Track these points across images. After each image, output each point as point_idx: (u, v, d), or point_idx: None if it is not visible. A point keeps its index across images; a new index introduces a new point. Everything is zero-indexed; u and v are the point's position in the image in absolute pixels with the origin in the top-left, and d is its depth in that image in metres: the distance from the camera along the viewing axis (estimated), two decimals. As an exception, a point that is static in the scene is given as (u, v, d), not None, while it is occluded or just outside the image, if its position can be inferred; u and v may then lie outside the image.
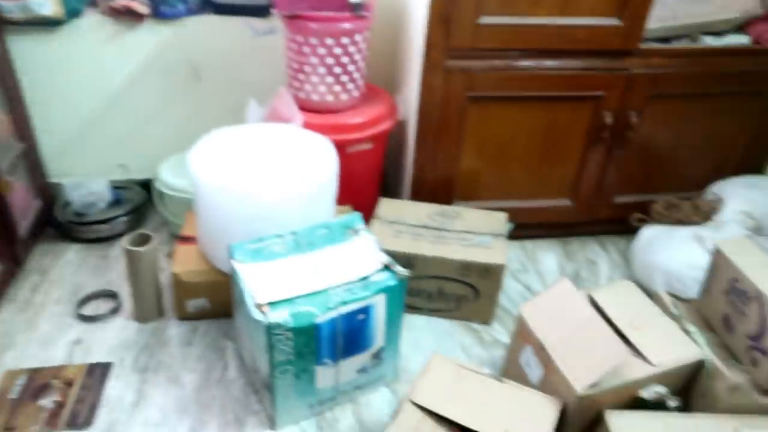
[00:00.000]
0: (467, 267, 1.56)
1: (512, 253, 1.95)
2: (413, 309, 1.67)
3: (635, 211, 1.88)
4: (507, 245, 1.63)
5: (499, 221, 1.69)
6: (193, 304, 1.59)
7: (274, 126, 1.62)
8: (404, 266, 1.47)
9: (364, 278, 1.28)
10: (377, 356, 1.38)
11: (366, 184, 1.89)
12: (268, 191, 1.37)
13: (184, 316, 1.61)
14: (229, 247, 1.33)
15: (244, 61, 1.92)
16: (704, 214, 1.76)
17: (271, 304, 1.20)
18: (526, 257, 1.95)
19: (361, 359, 1.35)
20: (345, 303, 1.24)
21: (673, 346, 1.25)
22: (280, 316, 1.18)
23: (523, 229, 1.96)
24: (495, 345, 1.61)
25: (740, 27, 1.74)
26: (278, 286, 1.24)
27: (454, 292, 1.62)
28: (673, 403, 1.22)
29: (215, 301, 1.59)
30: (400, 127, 1.88)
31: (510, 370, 1.38)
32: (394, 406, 1.41)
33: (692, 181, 1.92)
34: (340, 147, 1.60)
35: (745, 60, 1.72)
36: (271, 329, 1.17)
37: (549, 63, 1.63)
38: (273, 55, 1.91)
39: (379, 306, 1.30)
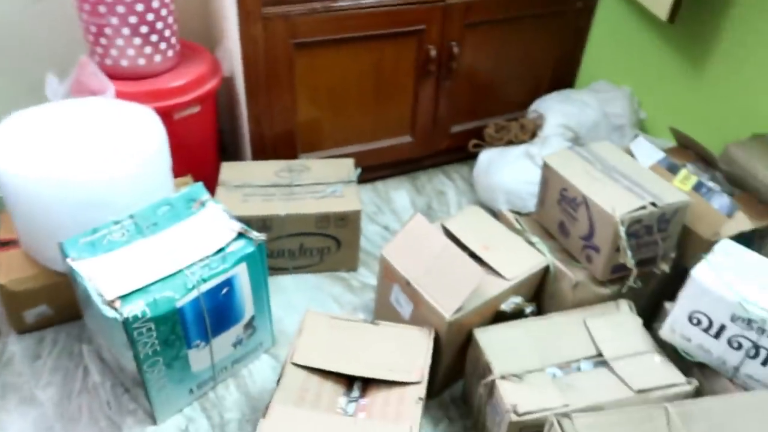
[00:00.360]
0: (324, 219, 1.56)
1: (365, 197, 1.97)
2: (278, 270, 1.64)
3: (471, 137, 1.99)
4: (358, 190, 1.65)
5: (347, 168, 1.70)
6: (32, 313, 1.43)
7: (82, 101, 1.44)
8: (260, 230, 1.43)
9: (220, 250, 1.22)
10: (250, 326, 1.34)
11: (202, 151, 1.78)
12: (88, 174, 1.24)
13: (24, 329, 1.44)
14: (60, 245, 1.19)
15: (29, 31, 1.68)
16: (530, 132, 1.91)
17: (123, 297, 1.11)
18: (379, 199, 1.99)
19: (233, 333, 1.31)
20: (205, 280, 1.18)
21: (522, 258, 1.36)
22: (135, 308, 1.09)
23: (372, 171, 1.99)
24: (365, 289, 1.64)
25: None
26: (127, 277, 1.14)
27: (315, 245, 1.62)
28: (529, 309, 1.35)
29: (57, 306, 1.44)
30: (227, 84, 1.78)
31: (382, 311, 1.42)
32: (277, 371, 1.40)
33: (516, 102, 2.06)
34: (165, 114, 1.48)
35: (546, -17, 1.85)
36: (128, 324, 1.09)
37: (367, 0, 1.62)
38: (65, 18, 1.68)
39: (242, 276, 1.25)
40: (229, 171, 1.65)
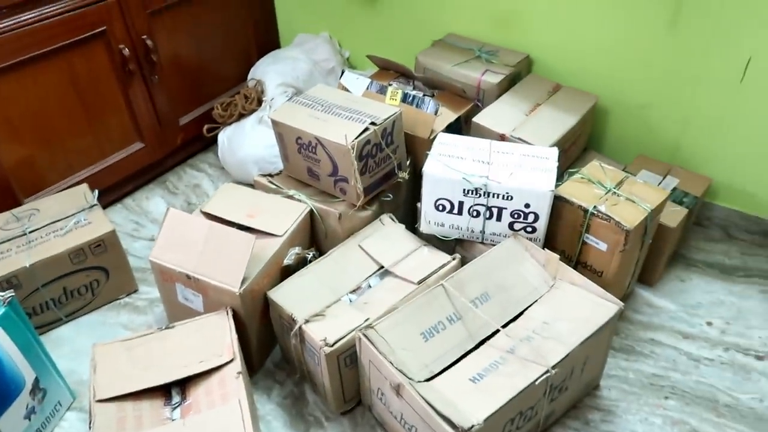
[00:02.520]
0: (79, 252, 1.45)
1: (118, 217, 1.87)
2: (51, 324, 1.50)
3: (203, 124, 1.98)
4: (104, 213, 1.55)
5: (82, 194, 1.58)
6: None
7: None
8: (8, 290, 1.29)
9: (-34, 327, 1.08)
10: (37, 389, 1.22)
11: None
12: None
13: None
14: None
15: None
16: (255, 100, 1.96)
17: None
18: (134, 214, 1.89)
19: (20, 404, 1.18)
20: (-41, 364, 1.04)
21: (286, 213, 1.44)
22: None
23: (117, 189, 1.89)
24: (153, 304, 1.58)
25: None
26: None
27: (81, 283, 1.50)
28: (310, 255, 1.43)
29: None
30: None
31: (175, 315, 1.39)
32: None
33: (233, 76, 2.09)
34: None
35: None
36: None
37: (29, 16, 1.48)
38: None
39: (2, 341, 1.13)
40: (-57, 245, 1.43)
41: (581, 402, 1.36)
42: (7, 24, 1.45)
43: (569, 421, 1.32)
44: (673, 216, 1.53)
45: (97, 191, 1.58)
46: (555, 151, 1.41)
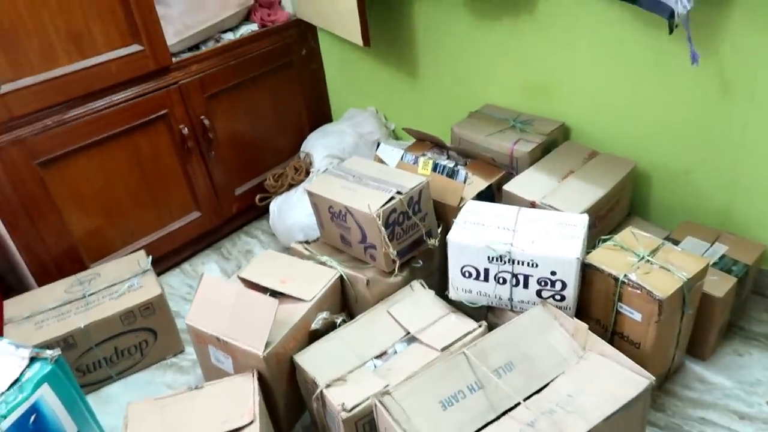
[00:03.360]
0: (129, 314, 1.56)
1: (175, 281, 1.99)
2: (102, 382, 1.60)
3: (256, 194, 2.11)
4: (155, 277, 1.67)
5: (138, 260, 1.71)
6: None
7: None
8: (64, 349, 1.41)
9: (16, 382, 1.19)
10: (77, 446, 1.30)
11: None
12: None
13: None
14: None
15: None
16: (304, 171, 2.07)
17: None
18: (189, 278, 2.02)
19: (61, 459, 1.26)
20: (5, 416, 1.14)
21: (317, 278, 1.49)
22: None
23: (175, 255, 2.02)
24: (196, 364, 1.65)
25: (248, 17, 2.06)
26: None
27: (131, 343, 1.61)
28: (339, 319, 1.47)
29: None
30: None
31: (210, 376, 1.46)
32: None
33: (285, 150, 2.22)
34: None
35: (262, 42, 2.03)
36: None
37: (100, 103, 1.68)
38: None
39: (48, 398, 1.22)
40: (13, 307, 1.58)
41: (619, 484, 1.28)
42: (80, 111, 1.65)
43: (605, 505, 1.24)
44: (720, 285, 1.45)
45: (150, 257, 1.71)
46: (584, 217, 1.39)
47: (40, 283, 1.69)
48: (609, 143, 1.71)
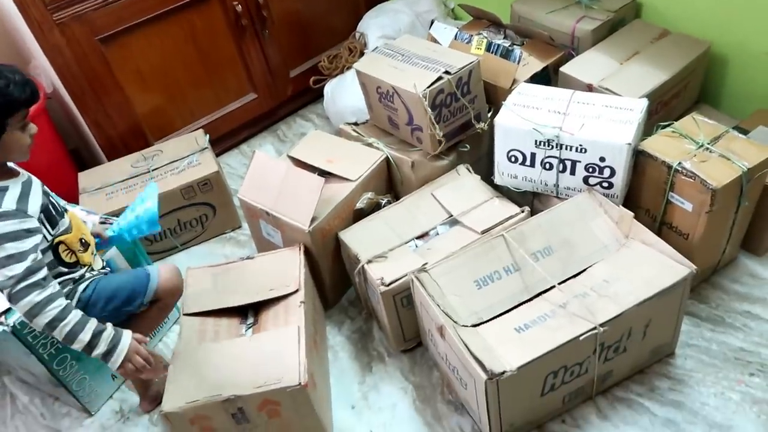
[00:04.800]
0: (189, 189, 1.66)
1: (234, 161, 2.07)
2: (170, 251, 1.74)
3: (311, 76, 2.10)
4: (213, 155, 1.74)
5: (197, 139, 1.78)
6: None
7: None
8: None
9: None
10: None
11: (54, 169, 1.82)
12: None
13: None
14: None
15: None
16: (359, 53, 2.03)
17: (5, 312, 1.19)
18: (247, 159, 2.08)
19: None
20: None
21: (363, 159, 1.51)
22: (18, 316, 1.18)
23: (233, 136, 2.08)
24: (251, 240, 1.75)
25: None
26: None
27: (192, 216, 1.71)
28: (383, 200, 1.50)
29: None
30: (55, 98, 1.81)
31: (262, 248, 1.55)
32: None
33: (340, 30, 2.16)
34: None
35: None
36: (18, 332, 1.18)
37: (154, -23, 1.68)
38: None
39: (116, 259, 1.35)
40: (86, 179, 1.71)
41: (649, 368, 1.30)
42: (135, -14, 1.66)
43: (633, 386, 1.27)
44: (786, 178, 1.36)
45: (208, 136, 1.77)
46: (643, 102, 1.31)
47: (109, 158, 1.80)
48: (684, 22, 1.57)
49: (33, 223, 1.04)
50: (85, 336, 1.04)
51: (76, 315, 1.04)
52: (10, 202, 1.03)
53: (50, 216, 1.10)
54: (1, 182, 1.05)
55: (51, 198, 1.13)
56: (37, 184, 1.11)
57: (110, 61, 1.68)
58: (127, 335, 1.09)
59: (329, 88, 2.06)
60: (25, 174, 1.11)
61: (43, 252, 1.06)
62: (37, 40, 1.54)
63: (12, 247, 0.99)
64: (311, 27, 2.10)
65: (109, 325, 1.08)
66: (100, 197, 1.64)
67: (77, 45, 1.60)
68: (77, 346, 1.04)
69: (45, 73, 1.73)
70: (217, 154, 1.92)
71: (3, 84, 0.98)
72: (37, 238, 1.04)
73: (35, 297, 1.00)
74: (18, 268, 0.99)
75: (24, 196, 1.06)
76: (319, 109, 2.24)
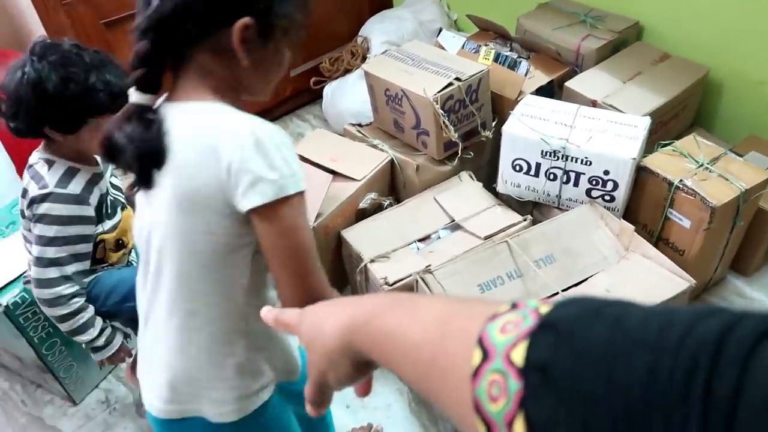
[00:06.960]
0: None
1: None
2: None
3: (311, 77, 2.10)
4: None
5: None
6: None
7: None
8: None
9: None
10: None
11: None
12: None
13: None
14: None
15: None
16: (361, 56, 2.05)
17: (-1, 291, 1.15)
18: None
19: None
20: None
21: (367, 160, 1.51)
22: (12, 295, 1.14)
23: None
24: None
25: None
26: (-2, 274, 1.18)
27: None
28: (386, 202, 1.51)
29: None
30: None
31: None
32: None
33: (343, 34, 2.18)
34: None
35: None
36: (10, 312, 1.14)
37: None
38: None
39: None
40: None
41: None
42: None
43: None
44: (777, 201, 1.41)
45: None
46: (646, 120, 1.35)
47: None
48: (683, 47, 1.62)
49: (89, 212, 1.03)
50: (94, 332, 1.05)
51: (89, 311, 1.04)
52: (77, 185, 1.01)
53: (100, 213, 1.08)
54: (76, 164, 1.03)
55: (110, 195, 1.11)
56: (105, 180, 1.10)
57: (113, 46, 1.66)
58: (119, 335, 1.11)
59: (329, 89, 2.06)
60: (101, 166, 1.09)
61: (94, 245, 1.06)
62: (42, 19, 1.51)
63: (62, 231, 0.98)
64: (314, 29, 2.10)
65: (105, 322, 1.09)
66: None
67: (81, 27, 1.58)
68: (80, 338, 1.04)
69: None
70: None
71: (99, 86, 0.96)
72: (88, 229, 1.02)
73: (64, 290, 0.99)
74: (60, 252, 0.97)
75: (91, 184, 1.04)
76: (317, 110, 2.24)
